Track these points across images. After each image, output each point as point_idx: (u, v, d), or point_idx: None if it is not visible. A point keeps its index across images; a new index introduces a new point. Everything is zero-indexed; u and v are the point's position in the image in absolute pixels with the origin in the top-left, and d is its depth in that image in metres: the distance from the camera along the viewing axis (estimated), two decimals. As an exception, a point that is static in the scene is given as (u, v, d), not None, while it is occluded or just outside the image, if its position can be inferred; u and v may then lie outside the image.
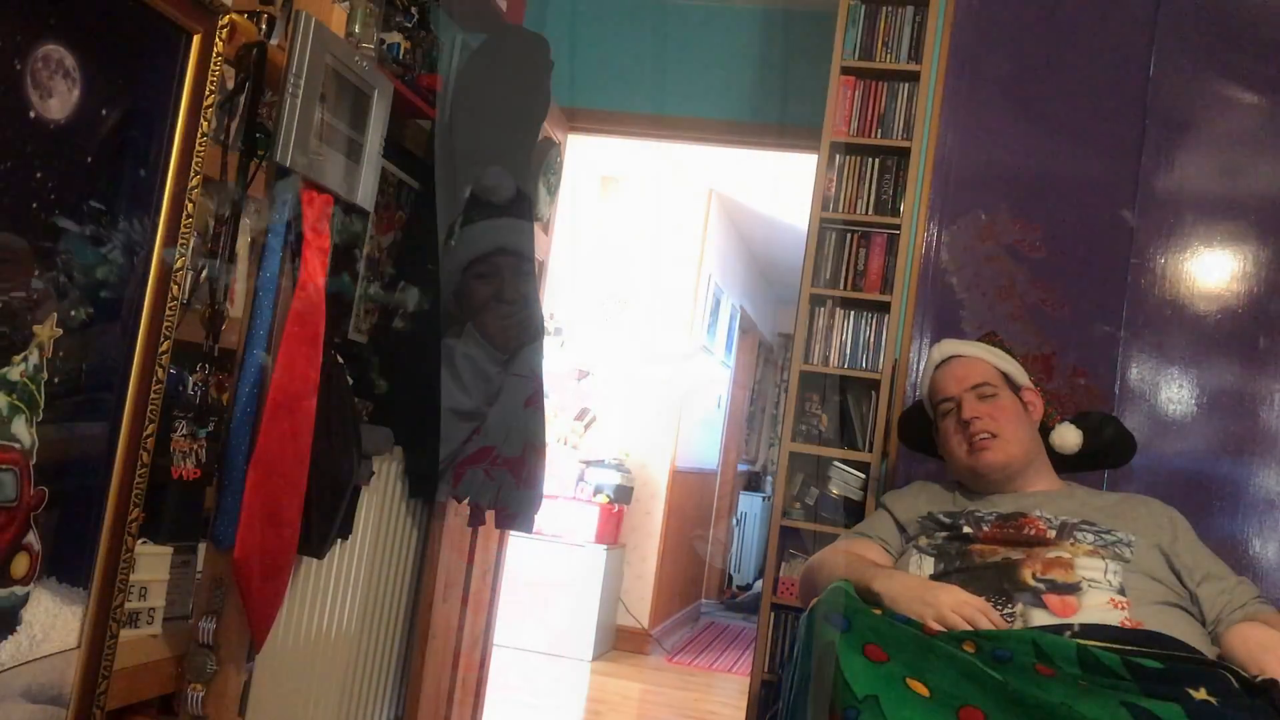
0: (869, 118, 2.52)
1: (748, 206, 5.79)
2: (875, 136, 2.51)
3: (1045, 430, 1.92)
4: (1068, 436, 1.93)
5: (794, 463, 2.50)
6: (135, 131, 1.30)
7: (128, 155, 1.29)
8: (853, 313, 2.49)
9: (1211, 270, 2.34)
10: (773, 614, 2.41)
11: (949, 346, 1.94)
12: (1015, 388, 1.87)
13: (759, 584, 7.59)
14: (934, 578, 1.62)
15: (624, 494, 5.03)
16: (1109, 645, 1.37)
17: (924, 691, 1.22)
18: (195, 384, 1.56)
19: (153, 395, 1.36)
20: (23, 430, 1.15)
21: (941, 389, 1.88)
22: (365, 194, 1.78)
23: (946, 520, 1.75)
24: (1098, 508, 1.73)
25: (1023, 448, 1.80)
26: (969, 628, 1.42)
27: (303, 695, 2.11)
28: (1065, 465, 1.93)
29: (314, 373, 1.65)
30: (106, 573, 1.33)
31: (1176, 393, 2.31)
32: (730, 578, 7.75)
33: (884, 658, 1.25)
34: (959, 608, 1.44)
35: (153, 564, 1.55)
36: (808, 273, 2.50)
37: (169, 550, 1.59)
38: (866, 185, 2.51)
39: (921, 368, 2.30)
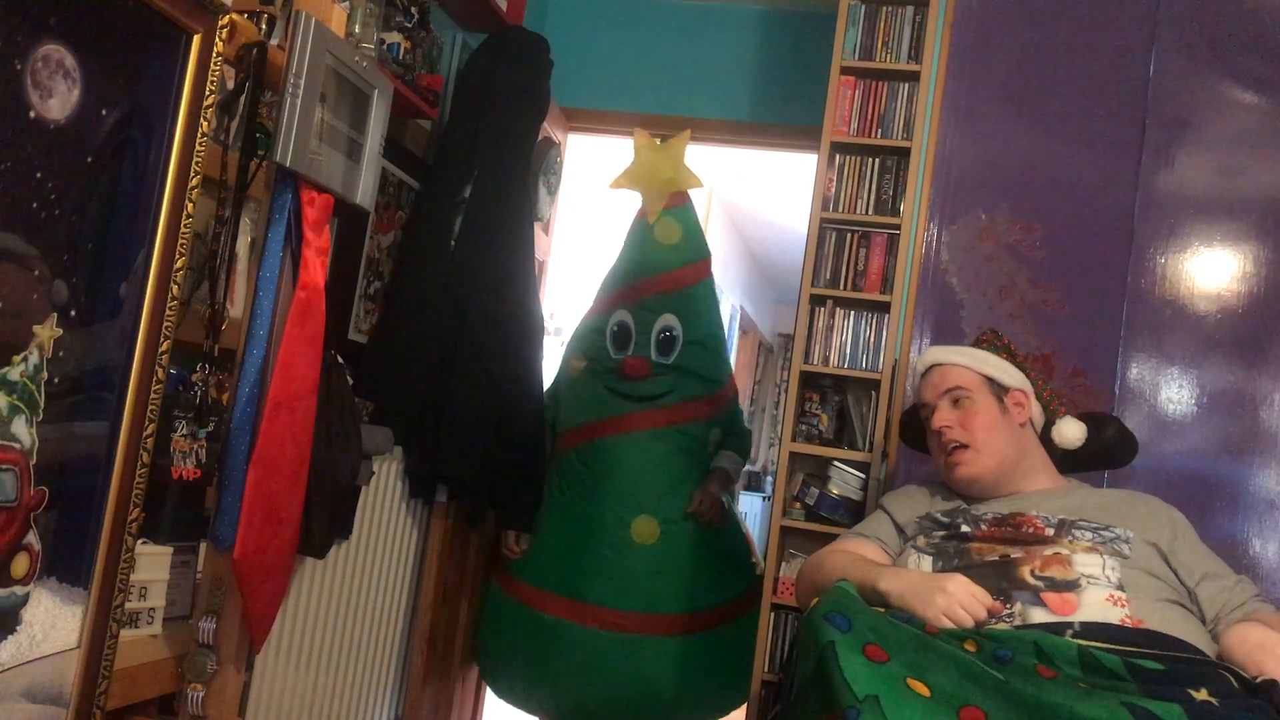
0: (869, 118, 2.52)
1: (748, 206, 5.79)
2: (875, 136, 2.51)
3: (1049, 425, 1.92)
4: (1067, 431, 1.91)
5: (794, 463, 2.50)
6: (135, 131, 1.30)
7: (128, 155, 1.29)
8: (853, 313, 2.49)
9: (1211, 270, 2.33)
10: (773, 614, 2.41)
11: (931, 355, 1.92)
12: (1001, 390, 1.84)
13: (759, 584, 7.55)
14: (933, 578, 1.61)
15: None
16: (1110, 646, 1.36)
17: (925, 691, 1.22)
18: (195, 384, 1.56)
19: (153, 395, 1.36)
20: (23, 430, 1.15)
21: (920, 396, 1.91)
22: (365, 194, 1.78)
23: (944, 520, 1.75)
24: (1096, 505, 1.73)
25: (997, 457, 1.77)
26: (971, 624, 1.42)
27: (303, 695, 2.11)
28: (1068, 465, 1.93)
29: (314, 373, 1.65)
30: (106, 573, 1.33)
31: (1176, 393, 2.31)
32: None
33: (884, 658, 1.25)
34: (967, 604, 1.44)
35: (153, 564, 1.55)
36: (808, 273, 2.49)
37: (169, 550, 1.59)
38: (866, 185, 2.51)
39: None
